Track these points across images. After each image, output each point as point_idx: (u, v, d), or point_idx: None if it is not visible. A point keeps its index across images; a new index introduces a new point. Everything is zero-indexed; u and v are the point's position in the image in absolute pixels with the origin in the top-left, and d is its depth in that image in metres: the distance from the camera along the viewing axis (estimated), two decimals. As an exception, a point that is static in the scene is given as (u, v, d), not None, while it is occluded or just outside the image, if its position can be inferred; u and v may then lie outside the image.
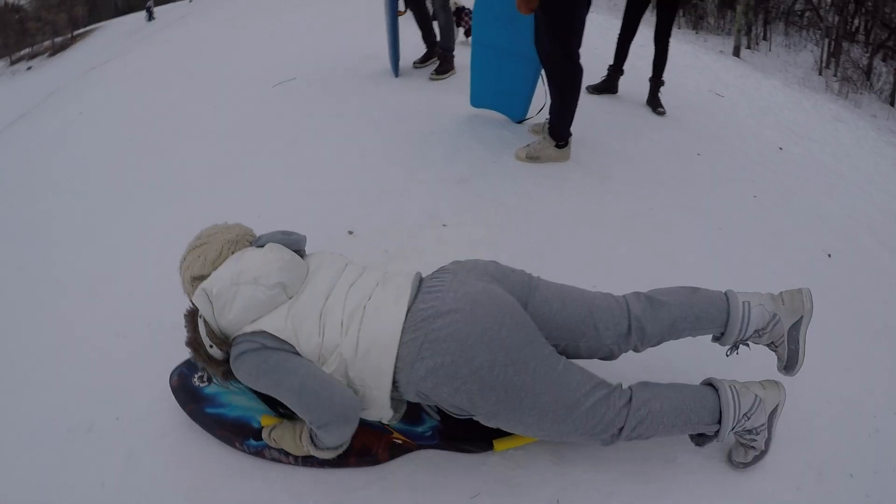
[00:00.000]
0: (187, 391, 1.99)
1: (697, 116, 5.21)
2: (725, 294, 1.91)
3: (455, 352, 1.59)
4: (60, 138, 6.07)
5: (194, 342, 1.77)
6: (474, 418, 1.69)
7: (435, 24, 5.33)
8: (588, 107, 3.62)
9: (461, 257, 1.99)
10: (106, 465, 1.93)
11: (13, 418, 2.15)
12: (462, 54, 5.22)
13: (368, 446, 1.83)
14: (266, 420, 1.89)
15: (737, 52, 13.86)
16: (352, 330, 1.65)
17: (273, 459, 1.86)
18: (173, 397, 2.00)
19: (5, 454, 2.01)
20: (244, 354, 1.65)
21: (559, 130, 3.67)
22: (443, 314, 1.63)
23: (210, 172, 3.95)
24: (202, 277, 1.79)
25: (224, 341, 1.73)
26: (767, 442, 1.84)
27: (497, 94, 4.20)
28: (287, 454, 1.83)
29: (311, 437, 1.74)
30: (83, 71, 13.30)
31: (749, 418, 1.78)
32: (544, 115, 3.92)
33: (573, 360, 1.77)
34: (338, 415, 1.62)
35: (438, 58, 5.31)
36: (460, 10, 5.98)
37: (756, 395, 1.80)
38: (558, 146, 3.70)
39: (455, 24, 5.55)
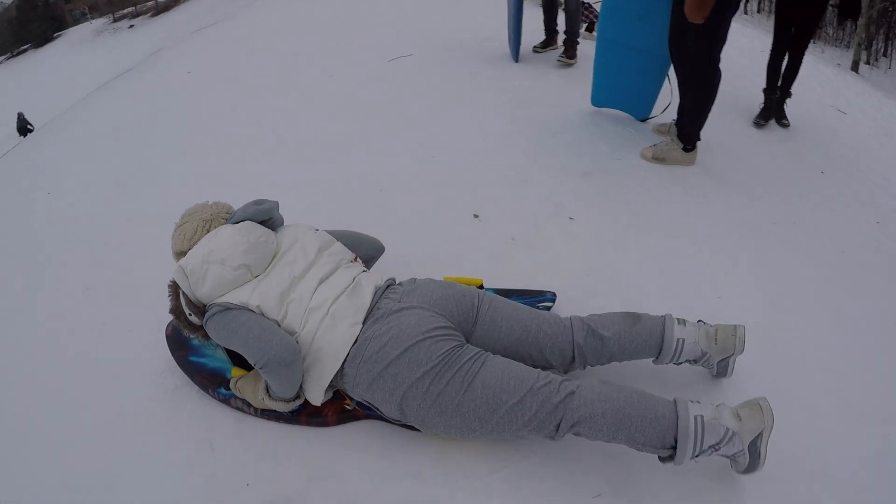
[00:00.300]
0: (178, 341, 2.26)
1: (820, 132, 5.04)
2: (663, 322, 1.99)
3: (380, 370, 1.80)
4: (170, 95, 6.33)
5: (176, 310, 2.03)
6: (411, 424, 1.87)
7: (559, 12, 5.31)
8: (711, 112, 3.54)
9: (586, 254, 2.27)
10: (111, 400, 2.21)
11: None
12: (582, 48, 5.18)
13: (320, 409, 1.99)
14: (236, 372, 2.10)
15: (855, 67, 13.27)
16: (309, 327, 1.88)
17: (237, 408, 2.07)
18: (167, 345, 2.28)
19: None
20: (213, 316, 1.89)
21: (689, 133, 3.60)
22: (377, 337, 1.84)
23: (329, 143, 4.04)
24: (182, 253, 2.08)
25: (200, 310, 1.97)
26: (755, 463, 1.71)
27: (621, 92, 4.14)
28: (249, 405, 2.03)
29: (266, 388, 1.94)
30: (188, 32, 13.77)
31: (718, 449, 1.71)
32: (669, 115, 3.85)
33: (504, 359, 1.85)
34: (276, 355, 1.79)
35: (564, 43, 5.31)
36: (584, 4, 5.92)
37: (727, 429, 1.70)
38: (685, 149, 3.64)
39: (579, 16, 5.49)
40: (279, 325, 1.89)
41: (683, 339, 1.95)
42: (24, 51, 47.83)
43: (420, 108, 4.39)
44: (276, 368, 1.80)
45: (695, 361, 2.01)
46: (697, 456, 1.70)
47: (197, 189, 2.63)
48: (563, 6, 5.23)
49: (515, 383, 1.74)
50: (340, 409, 2.00)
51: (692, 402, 1.75)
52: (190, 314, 1.98)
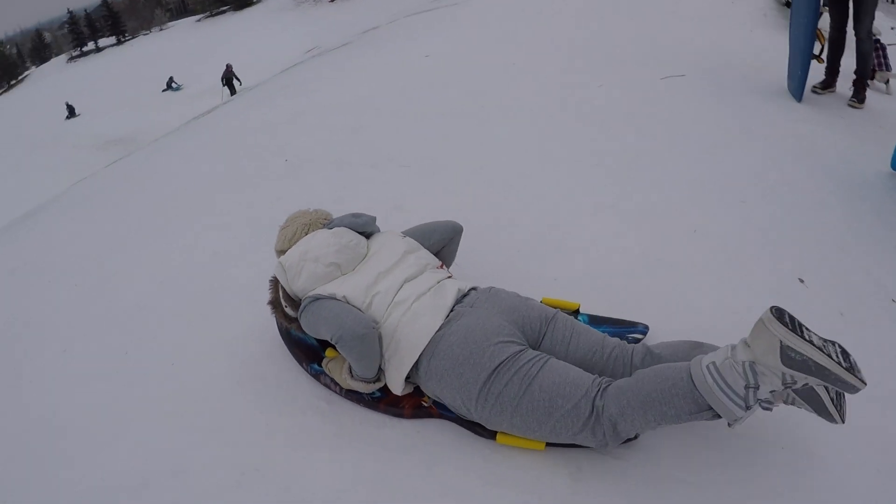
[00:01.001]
0: (287, 316, 2.40)
1: None
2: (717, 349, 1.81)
3: (448, 368, 1.93)
4: (406, 75, 6.41)
5: (274, 302, 2.36)
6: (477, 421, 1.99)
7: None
8: None
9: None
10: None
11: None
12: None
13: (399, 400, 2.15)
14: (329, 353, 2.35)
15: None
16: (391, 319, 2.05)
17: (325, 385, 2.31)
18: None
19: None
20: (306, 307, 2.13)
21: None
22: (449, 336, 1.97)
23: (614, 165, 3.84)
24: (283, 252, 2.39)
25: (295, 303, 2.26)
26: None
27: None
28: (335, 384, 2.25)
29: (349, 369, 2.15)
30: (397, 14, 14.09)
31: (758, 387, 1.62)
32: None
33: (563, 362, 1.92)
34: (350, 328, 1.97)
35: (854, 84, 4.95)
36: (876, 43, 5.38)
37: (743, 363, 1.64)
38: None
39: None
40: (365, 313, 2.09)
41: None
42: (223, 12, 51.70)
43: (700, 139, 4.11)
44: (350, 341, 1.98)
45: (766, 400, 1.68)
46: (748, 406, 1.63)
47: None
48: (855, 44, 4.84)
49: (571, 389, 1.81)
50: (417, 404, 2.14)
51: (708, 354, 1.74)
52: (286, 306, 2.29)
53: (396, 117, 5.14)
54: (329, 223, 2.46)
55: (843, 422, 1.60)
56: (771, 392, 1.63)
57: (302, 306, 2.17)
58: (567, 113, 4.66)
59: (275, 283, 2.38)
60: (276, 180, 4.33)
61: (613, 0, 8.45)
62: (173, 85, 31.29)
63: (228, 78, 22.03)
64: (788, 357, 1.56)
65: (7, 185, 17.57)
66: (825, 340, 1.60)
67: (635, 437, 1.90)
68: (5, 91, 63.94)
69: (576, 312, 2.43)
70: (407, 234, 2.48)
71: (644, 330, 2.34)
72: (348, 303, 2.10)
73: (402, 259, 2.28)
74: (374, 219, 2.52)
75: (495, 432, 1.98)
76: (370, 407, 2.19)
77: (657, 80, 5.08)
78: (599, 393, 1.80)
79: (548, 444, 1.92)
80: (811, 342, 1.56)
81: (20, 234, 4.89)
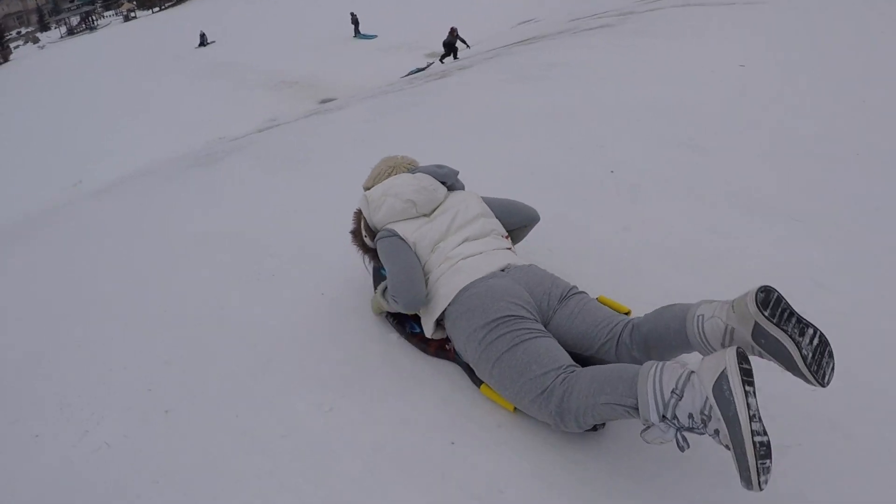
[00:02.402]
0: (364, 245, 2.94)
1: None
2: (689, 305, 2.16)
3: (462, 312, 2.36)
4: (724, 85, 5.59)
5: (355, 231, 2.94)
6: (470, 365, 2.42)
7: None
8: None
9: None
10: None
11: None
12: None
13: (428, 340, 2.65)
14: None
15: None
16: (438, 270, 2.54)
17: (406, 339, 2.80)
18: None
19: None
20: (382, 238, 2.68)
21: None
22: (474, 290, 2.38)
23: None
24: (369, 188, 2.95)
25: (373, 234, 2.79)
26: (739, 433, 1.61)
27: None
28: (417, 339, 2.73)
29: (385, 296, 2.72)
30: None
31: (680, 397, 1.76)
32: None
33: (556, 342, 2.22)
34: (403, 300, 2.49)
35: None
36: None
37: (684, 367, 1.84)
38: None
39: None
40: (422, 266, 2.58)
41: (703, 315, 2.03)
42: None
43: None
44: (396, 305, 2.56)
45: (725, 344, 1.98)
46: (664, 417, 1.77)
47: None
48: None
49: (549, 360, 2.12)
50: (441, 346, 2.63)
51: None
52: (365, 236, 2.81)
53: (743, 140, 4.36)
54: (413, 169, 2.95)
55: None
56: (689, 416, 1.73)
57: (380, 235, 2.69)
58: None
59: (358, 214, 2.94)
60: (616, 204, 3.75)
61: None
62: (359, 32, 31.94)
63: (450, 43, 21.63)
64: (720, 388, 1.68)
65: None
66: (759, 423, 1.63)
67: (595, 429, 2.15)
68: (173, 5, 68.98)
69: (627, 314, 2.57)
70: (488, 201, 2.87)
71: None
72: (415, 251, 2.61)
73: (474, 220, 2.70)
74: (456, 172, 2.96)
75: (482, 382, 2.40)
76: (406, 339, 2.76)
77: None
78: (567, 371, 2.08)
79: (516, 409, 2.28)
80: (750, 394, 1.65)
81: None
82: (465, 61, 11.11)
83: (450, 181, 2.90)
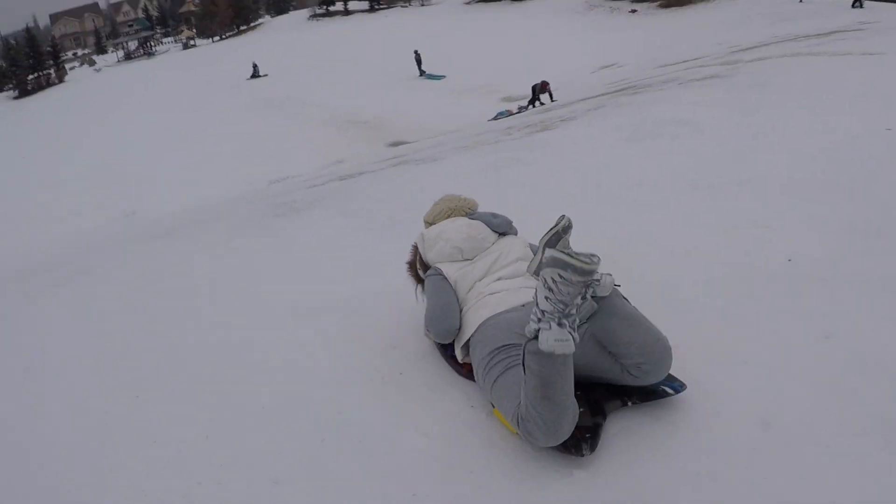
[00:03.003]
0: (417, 277, 3.49)
1: None
2: None
3: (479, 341, 2.78)
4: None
5: (411, 263, 3.43)
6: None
7: None
8: None
9: None
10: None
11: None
12: None
13: (462, 364, 3.04)
14: None
15: None
16: (471, 303, 2.98)
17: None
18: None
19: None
20: (430, 276, 3.19)
21: None
22: (492, 321, 2.80)
23: None
24: (428, 223, 3.51)
25: (425, 268, 3.30)
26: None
27: None
28: (453, 362, 3.12)
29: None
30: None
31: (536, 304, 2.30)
32: None
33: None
34: (434, 329, 3.02)
35: None
36: None
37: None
38: None
39: None
40: (458, 301, 3.05)
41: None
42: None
43: None
44: (430, 335, 3.13)
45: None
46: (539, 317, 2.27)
47: None
48: None
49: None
50: (472, 369, 2.90)
51: None
52: (419, 268, 3.36)
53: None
54: (472, 213, 3.44)
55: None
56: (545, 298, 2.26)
57: (429, 273, 3.22)
58: None
59: (415, 248, 3.43)
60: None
61: None
62: (424, 71, 32.19)
63: (538, 90, 21.39)
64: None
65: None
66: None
67: (581, 454, 2.38)
68: (234, 35, 70.87)
69: None
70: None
71: (678, 388, 2.60)
72: (455, 289, 3.09)
73: (512, 263, 3.11)
74: (510, 222, 3.44)
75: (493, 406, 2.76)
76: (446, 360, 3.15)
77: None
78: None
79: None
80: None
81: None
82: (565, 111, 10.82)
83: (502, 230, 3.38)
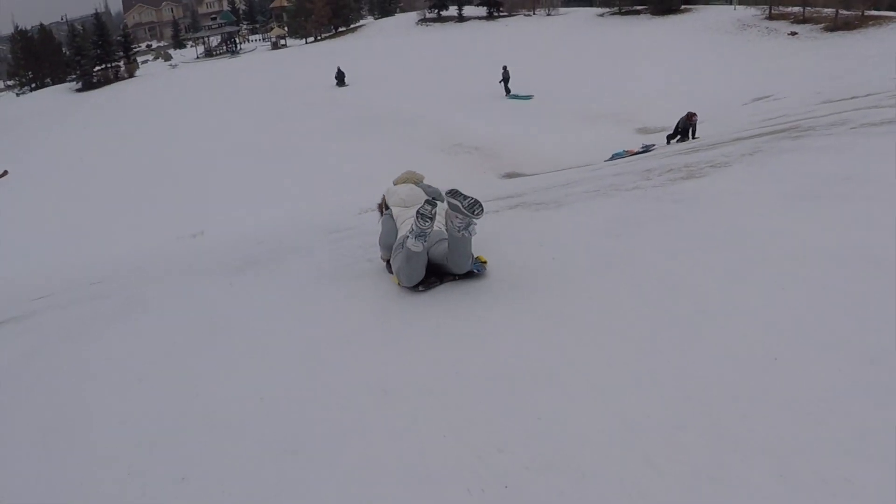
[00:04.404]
0: (382, 213, 6.88)
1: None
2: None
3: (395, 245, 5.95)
4: None
5: (379, 206, 6.89)
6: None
7: None
8: None
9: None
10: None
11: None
12: None
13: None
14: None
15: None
16: (401, 225, 5.90)
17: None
18: None
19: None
20: (386, 215, 6.25)
21: None
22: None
23: None
24: (393, 183, 6.74)
25: (386, 208, 6.38)
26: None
27: None
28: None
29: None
30: None
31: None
32: None
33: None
34: (380, 244, 6.08)
35: None
36: None
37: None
38: None
39: None
40: (396, 229, 5.87)
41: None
42: (636, 12, 53.19)
43: None
44: (381, 247, 6.06)
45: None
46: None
47: None
48: None
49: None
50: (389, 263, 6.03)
51: None
52: (384, 208, 6.39)
53: None
54: (419, 183, 6.48)
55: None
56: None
57: (386, 213, 6.11)
58: None
59: (382, 197, 6.49)
60: None
61: None
62: (510, 90, 32.29)
63: (685, 129, 21.01)
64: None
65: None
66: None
67: (419, 290, 5.42)
68: (331, 36, 72.50)
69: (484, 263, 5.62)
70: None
71: (481, 270, 5.54)
72: (396, 222, 5.88)
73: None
74: (439, 192, 6.19)
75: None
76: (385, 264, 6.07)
77: None
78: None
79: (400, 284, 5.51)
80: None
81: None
82: (715, 153, 10.47)
83: (431, 195, 6.12)
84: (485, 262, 5.52)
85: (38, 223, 22.65)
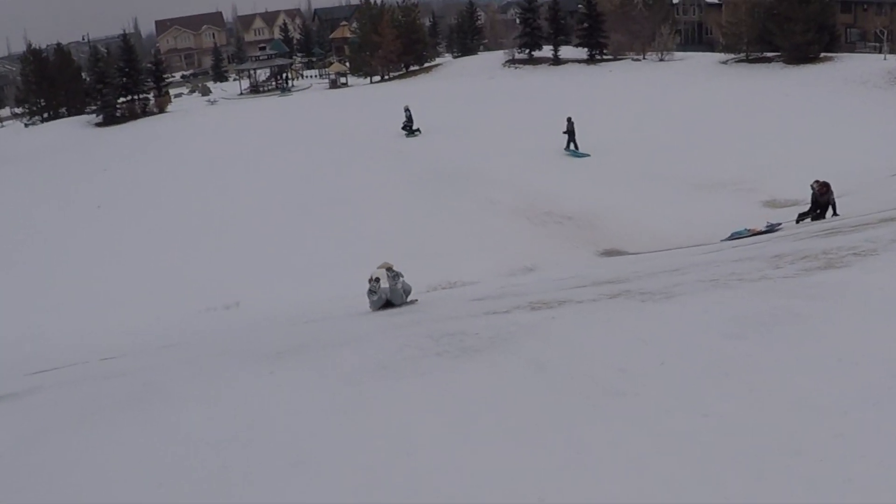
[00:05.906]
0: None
1: None
2: None
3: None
4: None
5: (370, 281, 15.65)
6: None
7: None
8: None
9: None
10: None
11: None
12: None
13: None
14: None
15: None
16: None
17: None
18: None
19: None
20: (372, 286, 15.62)
21: None
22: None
23: None
24: (378, 269, 16.18)
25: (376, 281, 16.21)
26: None
27: None
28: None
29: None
30: None
31: None
32: None
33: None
34: (372, 306, 15.41)
35: None
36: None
37: None
38: None
39: None
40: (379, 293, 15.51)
41: None
42: (767, 59, 53.18)
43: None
44: (370, 302, 15.33)
45: None
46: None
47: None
48: None
49: (376, 302, 15.59)
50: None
51: None
52: (375, 280, 15.33)
53: None
54: (389, 270, 15.18)
55: None
56: None
57: (371, 284, 15.12)
58: None
59: (373, 277, 15.47)
60: None
61: None
62: (572, 142, 32.66)
63: (824, 204, 20.80)
64: None
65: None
66: None
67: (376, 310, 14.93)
68: (401, 76, 73.46)
69: None
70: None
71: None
72: (377, 285, 15.01)
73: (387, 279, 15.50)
74: (400, 274, 15.16)
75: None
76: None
77: None
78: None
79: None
80: None
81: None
82: (858, 237, 10.42)
83: (392, 275, 14.65)
84: None
85: (40, 280, 22.99)
